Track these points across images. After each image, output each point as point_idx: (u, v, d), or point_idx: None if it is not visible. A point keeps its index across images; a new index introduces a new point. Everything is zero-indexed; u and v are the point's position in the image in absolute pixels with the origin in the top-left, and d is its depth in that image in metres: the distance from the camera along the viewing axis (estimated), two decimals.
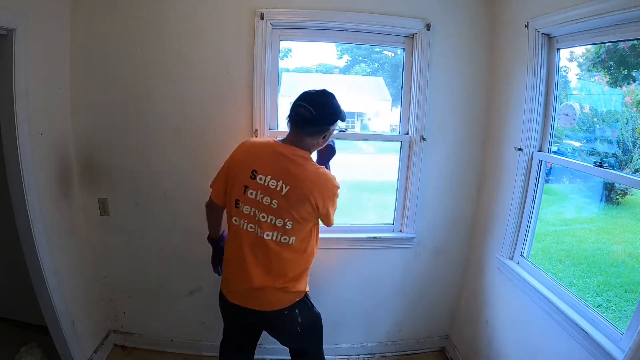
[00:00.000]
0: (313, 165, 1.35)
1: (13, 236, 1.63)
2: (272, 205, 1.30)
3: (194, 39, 1.78)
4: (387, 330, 2.24)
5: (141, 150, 1.89)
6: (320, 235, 1.99)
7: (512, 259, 1.78)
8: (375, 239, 2.06)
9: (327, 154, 1.56)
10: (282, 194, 1.29)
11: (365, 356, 2.25)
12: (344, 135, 1.99)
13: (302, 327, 1.46)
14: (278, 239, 1.33)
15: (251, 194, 1.31)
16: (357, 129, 2.42)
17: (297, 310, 1.42)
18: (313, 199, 1.30)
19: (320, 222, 1.46)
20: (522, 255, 1.74)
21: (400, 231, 2.10)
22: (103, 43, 1.76)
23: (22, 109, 1.48)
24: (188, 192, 1.92)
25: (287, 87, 2.03)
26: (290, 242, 1.34)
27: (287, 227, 1.32)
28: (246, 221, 1.33)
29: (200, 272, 2.04)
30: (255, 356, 2.04)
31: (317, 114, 1.28)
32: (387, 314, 2.21)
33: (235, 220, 1.36)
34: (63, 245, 1.78)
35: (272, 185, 1.29)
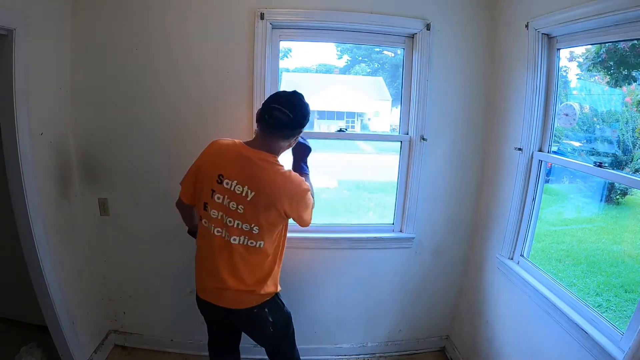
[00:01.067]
0: (279, 170, 1.32)
1: (13, 236, 1.63)
2: (239, 211, 1.29)
3: (194, 39, 1.78)
4: (387, 330, 2.24)
5: (141, 150, 1.89)
6: (320, 235, 2.02)
7: (512, 259, 1.78)
8: (375, 239, 2.06)
9: (303, 152, 1.54)
10: (248, 199, 1.27)
11: (365, 356, 2.25)
12: (344, 135, 2.00)
13: (274, 327, 1.45)
14: (245, 243, 1.32)
15: (218, 198, 1.30)
16: (357, 129, 2.42)
17: (266, 310, 1.42)
18: (280, 205, 1.29)
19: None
20: (522, 255, 1.74)
21: (400, 231, 2.10)
22: (103, 43, 1.76)
23: (22, 109, 1.48)
24: None
25: (287, 87, 2.02)
26: (258, 246, 1.33)
27: (254, 231, 1.31)
28: (214, 225, 1.33)
29: None
30: (254, 356, 2.05)
31: (293, 116, 1.27)
32: (387, 314, 2.21)
33: (205, 222, 1.36)
34: (63, 245, 1.78)
35: (238, 190, 1.28)
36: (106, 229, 1.98)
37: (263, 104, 1.31)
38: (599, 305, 1.73)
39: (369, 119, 2.50)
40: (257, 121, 1.32)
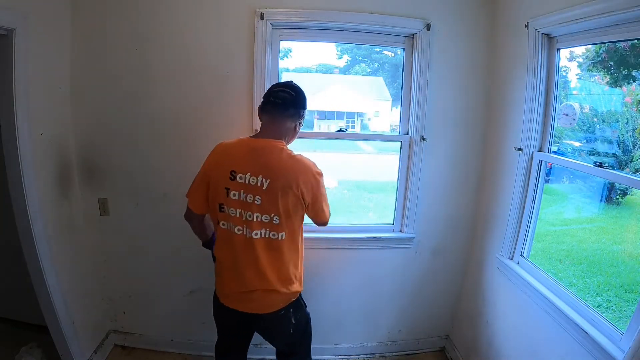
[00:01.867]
0: (290, 154, 1.33)
1: (13, 236, 1.63)
2: (256, 202, 1.28)
3: (193, 39, 1.78)
4: (387, 330, 2.24)
5: (141, 150, 1.89)
6: (320, 235, 2.01)
7: (512, 259, 1.78)
8: (375, 239, 2.06)
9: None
10: (264, 188, 1.28)
11: (365, 356, 2.25)
12: (344, 135, 2.00)
13: (295, 329, 1.45)
14: (267, 236, 1.32)
15: (234, 195, 1.30)
16: (357, 129, 2.42)
17: (291, 310, 1.42)
18: (296, 187, 1.29)
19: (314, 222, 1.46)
20: (522, 255, 1.74)
21: (400, 231, 2.10)
22: (103, 43, 1.76)
23: (22, 109, 1.48)
24: None
25: None
26: (280, 238, 1.33)
27: (274, 221, 1.30)
28: (234, 223, 1.32)
29: (200, 272, 2.04)
30: (255, 356, 2.05)
31: (296, 94, 1.35)
32: (387, 314, 2.21)
33: (223, 224, 1.35)
34: (63, 245, 1.78)
35: (253, 182, 1.28)
36: (106, 229, 1.98)
37: (264, 95, 1.38)
38: (599, 305, 1.73)
39: (369, 119, 2.50)
40: (261, 110, 1.36)
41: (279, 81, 1.81)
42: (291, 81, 1.40)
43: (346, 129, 2.01)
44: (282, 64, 1.93)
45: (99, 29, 1.75)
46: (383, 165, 2.39)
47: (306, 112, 1.42)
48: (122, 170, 1.91)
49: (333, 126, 2.07)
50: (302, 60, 2.12)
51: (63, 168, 1.80)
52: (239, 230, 1.32)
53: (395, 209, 2.10)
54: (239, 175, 1.29)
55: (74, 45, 1.75)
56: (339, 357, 2.21)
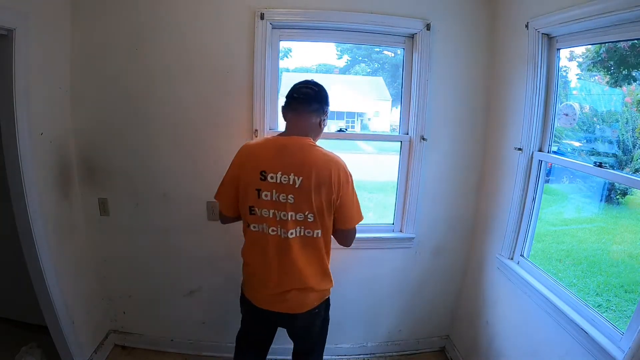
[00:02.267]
0: (320, 150, 1.31)
1: (13, 236, 1.63)
2: (289, 201, 1.26)
3: (193, 39, 1.78)
4: (387, 330, 2.24)
5: (141, 150, 1.89)
6: None
7: (512, 259, 1.78)
8: (375, 239, 2.06)
9: None
10: (297, 186, 1.25)
11: (365, 356, 2.25)
12: (344, 135, 2.00)
13: (320, 326, 1.46)
14: (303, 234, 1.30)
15: (266, 195, 1.27)
16: (357, 129, 2.42)
17: (323, 307, 1.43)
18: (328, 182, 1.26)
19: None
20: (522, 255, 1.74)
21: (401, 231, 2.10)
22: (103, 43, 1.76)
23: (22, 109, 1.47)
24: (188, 192, 1.92)
25: (287, 87, 2.02)
26: (315, 236, 1.31)
27: (309, 219, 1.28)
28: (267, 224, 1.29)
29: (200, 272, 2.04)
30: None
31: (318, 89, 1.35)
32: (387, 314, 2.21)
33: (254, 227, 1.32)
34: (63, 245, 1.78)
35: (285, 180, 1.25)
36: (106, 229, 1.98)
37: (287, 94, 1.37)
38: (599, 305, 1.73)
39: (369, 119, 2.50)
40: (285, 108, 1.35)
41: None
42: (312, 79, 1.39)
43: (346, 129, 2.01)
44: (282, 64, 1.93)
45: (99, 29, 1.75)
46: (383, 165, 2.39)
47: (329, 109, 1.41)
48: (122, 170, 1.91)
49: (333, 126, 2.07)
50: (302, 60, 2.12)
51: (63, 168, 1.80)
52: (273, 231, 1.29)
53: (395, 208, 2.10)
54: (269, 175, 1.26)
55: (74, 45, 1.75)
56: (339, 357, 2.21)
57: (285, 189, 1.26)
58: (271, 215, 1.28)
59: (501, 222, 1.83)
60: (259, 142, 1.36)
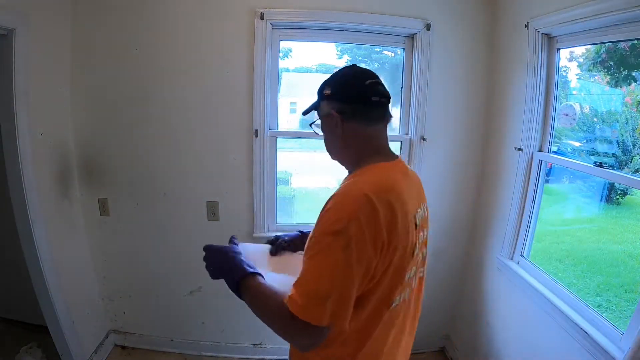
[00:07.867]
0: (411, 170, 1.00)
1: (13, 236, 1.63)
2: (425, 249, 0.96)
3: (193, 39, 1.78)
4: None
5: (141, 150, 1.89)
6: None
7: (512, 259, 1.78)
8: None
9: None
10: (429, 219, 0.98)
11: None
12: None
13: None
14: (421, 284, 1.00)
15: (416, 248, 0.87)
16: None
17: None
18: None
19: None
20: (522, 256, 1.74)
21: None
22: (103, 43, 1.77)
23: (22, 109, 1.48)
24: (188, 192, 1.92)
25: (287, 87, 2.03)
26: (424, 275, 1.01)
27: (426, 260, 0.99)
28: (409, 288, 0.90)
29: (200, 272, 2.02)
30: (256, 356, 2.05)
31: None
32: None
33: (397, 300, 0.85)
34: (63, 245, 1.79)
35: (421, 216, 0.92)
36: (106, 229, 1.98)
37: (354, 95, 0.85)
38: (599, 305, 1.72)
39: None
40: (362, 118, 0.86)
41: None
42: (353, 66, 0.93)
43: None
44: (282, 64, 1.93)
45: (99, 29, 1.75)
46: None
47: None
48: (122, 170, 1.91)
49: None
50: (302, 60, 2.12)
51: (63, 168, 1.80)
52: (405, 297, 0.88)
53: None
54: (417, 217, 0.87)
55: (74, 45, 1.75)
56: None
57: (424, 226, 0.92)
58: (412, 274, 0.88)
59: (501, 222, 1.83)
60: (391, 179, 0.83)
